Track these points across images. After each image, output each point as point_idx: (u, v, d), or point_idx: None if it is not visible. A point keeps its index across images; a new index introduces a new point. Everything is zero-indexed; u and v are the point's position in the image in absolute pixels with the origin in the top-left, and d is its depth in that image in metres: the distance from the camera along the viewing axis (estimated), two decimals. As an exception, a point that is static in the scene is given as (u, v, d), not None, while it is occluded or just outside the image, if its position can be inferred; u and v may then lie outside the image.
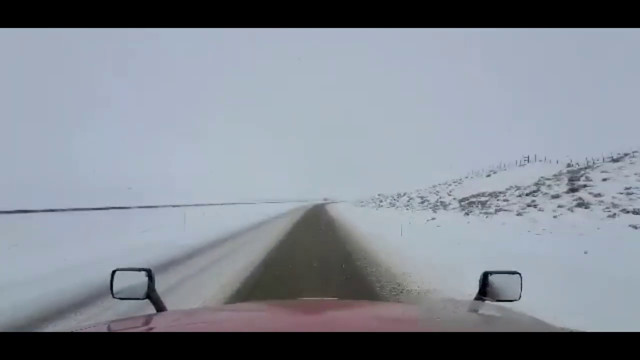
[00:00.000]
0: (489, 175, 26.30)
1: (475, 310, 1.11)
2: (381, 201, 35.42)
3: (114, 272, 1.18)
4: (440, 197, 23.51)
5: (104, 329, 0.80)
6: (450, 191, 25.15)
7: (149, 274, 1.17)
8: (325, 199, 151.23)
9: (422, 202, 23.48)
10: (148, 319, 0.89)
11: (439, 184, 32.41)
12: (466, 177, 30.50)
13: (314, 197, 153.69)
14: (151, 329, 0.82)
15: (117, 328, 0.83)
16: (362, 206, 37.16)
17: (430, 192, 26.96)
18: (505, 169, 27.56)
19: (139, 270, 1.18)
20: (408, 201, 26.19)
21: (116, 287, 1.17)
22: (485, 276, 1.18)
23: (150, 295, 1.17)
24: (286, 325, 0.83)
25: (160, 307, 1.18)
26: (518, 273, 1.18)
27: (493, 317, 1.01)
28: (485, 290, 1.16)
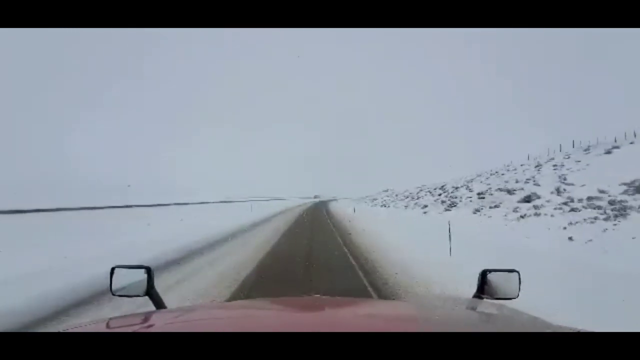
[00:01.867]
0: (609, 152, 15.96)
1: (474, 308, 1.08)
2: (414, 198, 24.51)
3: (113, 269, 1.19)
4: (561, 188, 12.64)
5: (103, 327, 0.80)
6: (563, 178, 14.14)
7: (148, 272, 1.18)
8: (316, 196, 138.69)
9: (527, 203, 12.69)
10: (147, 316, 0.91)
11: (498, 172, 22.16)
12: (550, 159, 20.36)
13: (310, 194, 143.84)
14: (150, 326, 0.83)
15: (116, 325, 0.83)
16: (383, 206, 26.98)
17: (514, 181, 16.38)
18: (632, 143, 17.33)
19: (139, 267, 1.18)
20: (481, 196, 15.55)
21: (115, 284, 1.18)
22: (484, 274, 1.17)
23: (150, 292, 1.18)
24: (284, 325, 0.84)
25: (159, 305, 1.21)
26: (517, 271, 1.16)
27: (492, 316, 0.97)
28: (484, 288, 1.15)
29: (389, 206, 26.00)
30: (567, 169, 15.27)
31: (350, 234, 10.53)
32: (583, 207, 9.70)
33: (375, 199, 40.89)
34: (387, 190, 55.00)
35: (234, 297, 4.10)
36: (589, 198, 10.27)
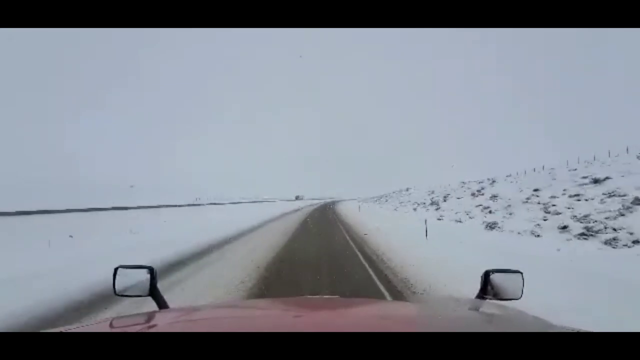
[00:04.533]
0: None
1: (477, 309, 1.06)
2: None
3: (116, 269, 1.19)
4: None
5: (106, 327, 0.80)
6: None
7: (151, 272, 1.19)
8: (297, 197, 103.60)
9: None
10: (150, 316, 0.91)
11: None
12: None
13: (313, 196, 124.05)
14: (153, 326, 0.83)
15: (119, 325, 0.83)
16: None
17: None
18: None
19: (142, 267, 1.19)
20: None
21: (119, 284, 1.17)
22: (486, 275, 1.16)
23: (153, 292, 1.18)
24: (286, 325, 0.83)
25: (162, 305, 1.20)
26: (519, 272, 1.16)
27: (494, 316, 0.97)
28: (486, 289, 1.15)
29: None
30: None
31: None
32: None
33: (434, 203, 19.47)
34: (407, 190, 42.66)
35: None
36: None
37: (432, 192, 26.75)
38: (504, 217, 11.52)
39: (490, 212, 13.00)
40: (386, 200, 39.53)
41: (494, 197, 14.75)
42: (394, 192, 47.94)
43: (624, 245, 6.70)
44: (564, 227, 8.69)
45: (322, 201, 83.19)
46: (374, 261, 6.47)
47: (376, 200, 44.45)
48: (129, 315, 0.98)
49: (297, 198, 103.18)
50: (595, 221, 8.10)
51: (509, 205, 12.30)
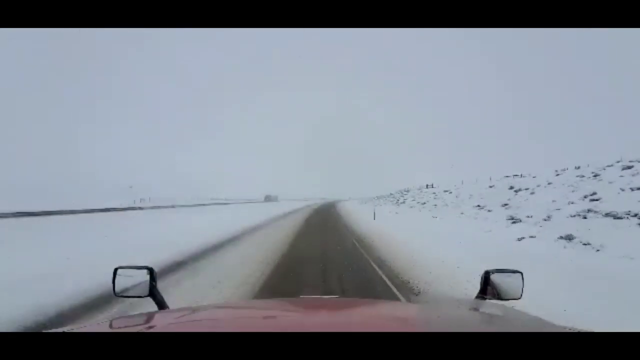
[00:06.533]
0: None
1: (477, 309, 1.07)
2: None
3: (116, 270, 1.17)
4: None
5: (106, 327, 0.81)
6: None
7: (151, 272, 1.17)
8: (267, 198, 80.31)
9: None
10: (150, 316, 0.91)
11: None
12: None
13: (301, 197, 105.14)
14: (152, 327, 0.83)
15: (118, 325, 0.85)
16: None
17: None
18: None
19: (141, 268, 1.17)
20: None
21: (118, 285, 1.16)
22: (486, 275, 1.15)
23: (152, 293, 1.17)
24: (286, 325, 0.84)
25: (161, 305, 1.20)
26: (519, 272, 1.15)
27: (495, 316, 0.97)
28: (486, 289, 1.14)
29: None
30: None
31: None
32: None
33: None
34: (427, 187, 37.42)
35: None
36: None
37: (494, 186, 21.47)
38: None
39: None
40: (422, 203, 23.13)
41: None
42: (398, 192, 45.64)
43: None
44: None
45: (312, 203, 57.44)
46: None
47: (394, 203, 40.38)
48: (128, 316, 0.99)
49: (267, 199, 76.96)
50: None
51: None
